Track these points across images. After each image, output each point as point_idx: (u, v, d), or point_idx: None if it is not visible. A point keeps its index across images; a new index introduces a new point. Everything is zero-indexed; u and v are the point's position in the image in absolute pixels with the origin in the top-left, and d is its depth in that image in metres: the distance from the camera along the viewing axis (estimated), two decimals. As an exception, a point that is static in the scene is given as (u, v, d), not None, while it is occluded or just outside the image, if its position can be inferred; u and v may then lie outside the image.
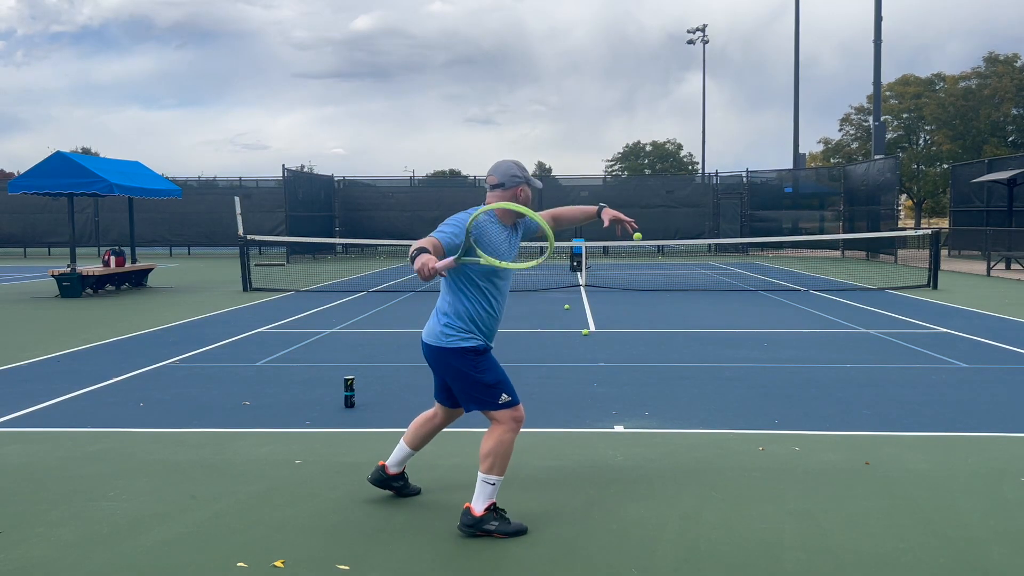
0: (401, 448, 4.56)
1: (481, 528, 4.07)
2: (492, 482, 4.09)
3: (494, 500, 4.11)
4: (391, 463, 4.58)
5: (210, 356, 9.25)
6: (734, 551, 3.85)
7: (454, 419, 4.55)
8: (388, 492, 4.63)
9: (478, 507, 4.07)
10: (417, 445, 4.57)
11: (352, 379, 6.78)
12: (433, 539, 4.02)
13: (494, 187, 4.19)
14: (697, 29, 50.98)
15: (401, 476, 4.61)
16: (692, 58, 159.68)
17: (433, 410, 4.53)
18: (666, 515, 4.30)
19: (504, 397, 4.12)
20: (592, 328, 11.34)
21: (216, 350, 9.66)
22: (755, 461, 5.21)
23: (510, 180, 4.16)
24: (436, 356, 4.18)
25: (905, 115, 54.23)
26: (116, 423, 6.31)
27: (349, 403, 6.69)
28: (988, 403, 6.81)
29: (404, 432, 4.61)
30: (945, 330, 10.93)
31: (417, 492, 4.68)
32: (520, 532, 4.12)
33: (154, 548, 3.93)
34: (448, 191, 39.24)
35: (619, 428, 6.06)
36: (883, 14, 31.33)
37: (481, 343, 4.13)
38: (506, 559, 3.78)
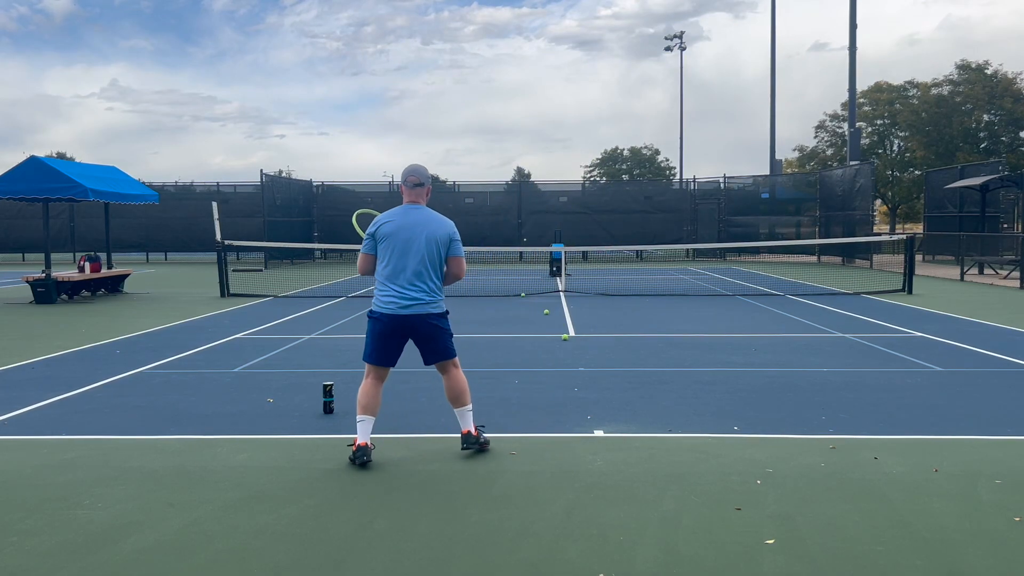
0: (369, 422, 5.31)
1: (480, 443, 5.41)
2: (471, 408, 5.47)
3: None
4: (369, 439, 5.30)
5: (187, 362, 9.17)
6: (713, 555, 3.87)
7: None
8: (367, 496, 4.66)
9: (474, 429, 5.40)
10: (377, 411, 5.38)
11: (331, 385, 6.75)
12: (413, 545, 4.01)
13: (415, 185, 5.39)
14: (675, 36, 51.42)
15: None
16: (669, 64, 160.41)
17: (375, 380, 5.43)
18: (646, 519, 4.32)
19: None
20: (572, 333, 11.36)
21: (193, 356, 9.58)
22: (734, 465, 5.24)
23: (427, 180, 5.45)
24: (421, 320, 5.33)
25: (879, 121, 54.84)
26: (91, 430, 6.24)
27: (328, 409, 6.66)
28: (963, 406, 6.89)
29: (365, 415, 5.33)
30: (920, 334, 11.05)
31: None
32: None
33: (130, 557, 3.89)
34: (427, 196, 39.12)
35: (599, 433, 6.07)
36: (857, 22, 31.74)
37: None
38: (486, 564, 3.78)
